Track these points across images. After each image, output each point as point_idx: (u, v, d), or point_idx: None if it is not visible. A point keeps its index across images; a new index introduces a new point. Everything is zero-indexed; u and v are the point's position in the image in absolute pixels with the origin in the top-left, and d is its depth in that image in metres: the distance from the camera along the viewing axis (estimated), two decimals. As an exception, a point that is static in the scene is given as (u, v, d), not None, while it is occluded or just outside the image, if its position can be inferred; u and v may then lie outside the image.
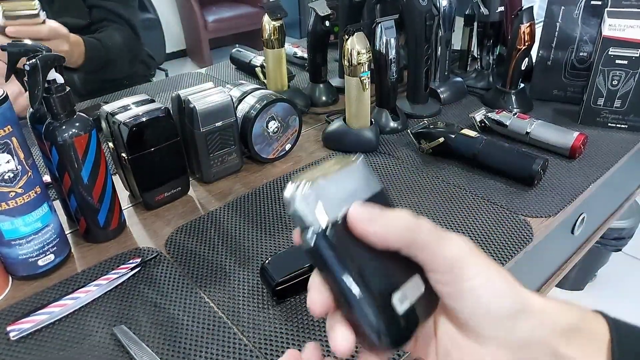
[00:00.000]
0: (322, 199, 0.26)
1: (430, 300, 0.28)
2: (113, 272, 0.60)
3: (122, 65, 1.19)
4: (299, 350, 0.31)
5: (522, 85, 1.00)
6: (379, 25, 0.84)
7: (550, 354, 0.26)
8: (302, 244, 0.27)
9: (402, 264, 0.27)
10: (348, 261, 0.26)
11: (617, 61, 0.84)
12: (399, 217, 0.27)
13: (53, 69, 0.56)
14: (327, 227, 0.26)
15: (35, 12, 0.86)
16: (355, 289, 0.25)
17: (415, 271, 0.27)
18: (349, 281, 0.25)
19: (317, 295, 0.27)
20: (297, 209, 0.26)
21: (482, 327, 0.26)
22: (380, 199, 0.28)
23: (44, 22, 0.89)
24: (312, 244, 0.26)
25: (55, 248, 0.61)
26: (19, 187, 0.55)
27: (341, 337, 0.26)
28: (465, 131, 0.82)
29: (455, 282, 0.26)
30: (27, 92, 0.55)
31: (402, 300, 0.26)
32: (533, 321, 0.26)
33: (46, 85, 0.56)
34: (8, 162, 0.53)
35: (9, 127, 0.52)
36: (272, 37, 0.95)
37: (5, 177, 0.53)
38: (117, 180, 0.73)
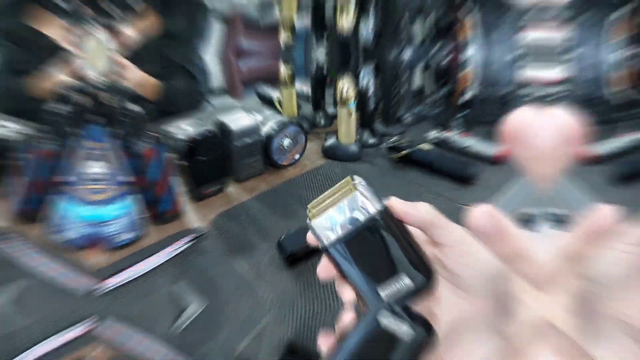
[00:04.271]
0: (325, 227, 0.26)
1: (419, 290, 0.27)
2: (174, 244, 0.61)
3: (181, 110, 1.16)
4: None
5: (464, 112, 0.99)
6: (362, 70, 0.85)
7: None
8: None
9: (388, 266, 0.27)
10: (346, 265, 0.27)
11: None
12: (423, 204, 0.27)
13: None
14: (332, 243, 0.26)
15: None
16: (353, 281, 0.27)
17: (400, 270, 0.27)
18: (350, 277, 0.27)
19: (326, 268, 0.27)
20: (313, 230, 0.27)
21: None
22: (379, 223, 0.27)
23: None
24: (323, 251, 0.27)
25: (135, 227, 0.62)
26: (107, 185, 0.55)
27: (348, 295, 0.27)
28: (423, 145, 0.82)
29: (462, 254, 0.26)
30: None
31: (384, 288, 0.26)
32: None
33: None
34: (101, 167, 0.54)
35: (104, 142, 0.53)
36: (286, 79, 0.96)
37: (97, 177, 0.54)
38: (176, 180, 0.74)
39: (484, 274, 0.25)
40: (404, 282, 0.26)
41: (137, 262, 0.57)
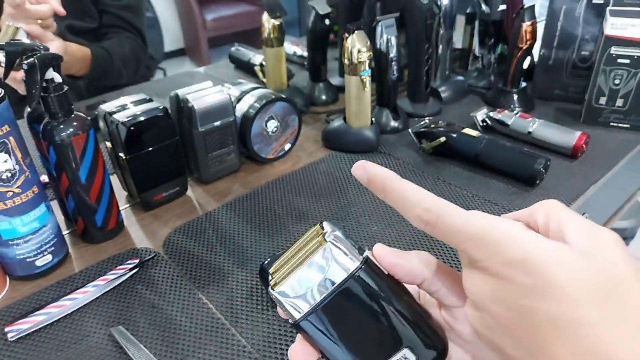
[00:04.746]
0: (292, 296, 0.27)
1: None
2: (111, 272, 0.60)
3: (128, 74, 1.20)
4: None
5: (523, 84, 1.00)
6: (380, 23, 0.85)
7: None
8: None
9: (385, 340, 0.27)
10: (327, 343, 0.28)
11: (619, 60, 0.84)
12: (417, 254, 0.28)
13: (51, 68, 0.56)
14: (305, 316, 0.27)
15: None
16: None
17: (403, 345, 0.27)
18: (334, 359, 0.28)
19: (302, 351, 0.28)
20: (277, 301, 0.28)
21: None
22: (361, 280, 0.27)
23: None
24: (295, 328, 0.28)
25: (52, 248, 0.61)
26: (17, 187, 0.55)
27: None
28: (467, 130, 0.82)
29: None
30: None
31: None
32: None
33: (44, 84, 0.56)
34: (5, 161, 0.53)
35: (6, 126, 0.52)
36: (272, 35, 0.95)
37: (3, 176, 0.53)
38: (114, 180, 0.74)
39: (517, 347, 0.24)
40: (404, 356, 0.27)
41: (58, 298, 0.57)
